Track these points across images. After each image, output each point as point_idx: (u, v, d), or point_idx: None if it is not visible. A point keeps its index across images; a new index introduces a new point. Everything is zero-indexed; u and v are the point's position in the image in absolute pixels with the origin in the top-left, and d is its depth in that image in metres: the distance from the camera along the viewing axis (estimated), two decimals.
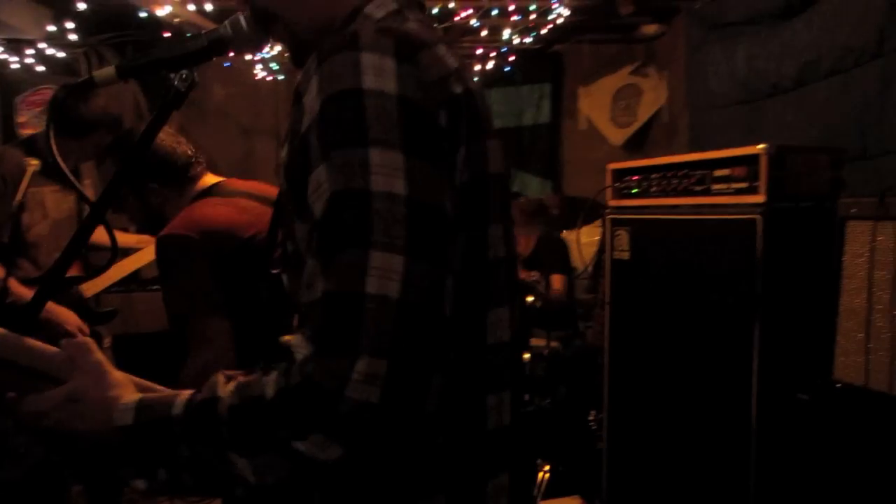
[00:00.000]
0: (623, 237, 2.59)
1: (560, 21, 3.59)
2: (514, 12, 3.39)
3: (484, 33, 3.50)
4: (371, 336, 0.67)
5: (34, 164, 2.48)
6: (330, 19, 0.92)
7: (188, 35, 0.95)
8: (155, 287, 3.66)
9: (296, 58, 0.98)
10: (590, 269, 3.01)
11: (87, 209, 3.23)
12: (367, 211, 0.69)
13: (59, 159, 0.98)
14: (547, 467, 2.88)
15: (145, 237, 3.00)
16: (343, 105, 0.73)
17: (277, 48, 3.67)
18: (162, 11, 3.29)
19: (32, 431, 0.82)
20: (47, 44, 3.62)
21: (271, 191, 1.79)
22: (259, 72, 3.95)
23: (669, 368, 2.34)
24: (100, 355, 0.81)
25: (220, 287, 1.58)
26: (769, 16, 3.10)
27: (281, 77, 4.33)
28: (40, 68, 3.72)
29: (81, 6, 3.10)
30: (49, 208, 2.91)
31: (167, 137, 1.79)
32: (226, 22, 0.99)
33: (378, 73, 0.73)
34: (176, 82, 0.96)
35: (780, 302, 1.99)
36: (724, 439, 2.10)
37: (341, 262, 0.69)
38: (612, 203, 2.66)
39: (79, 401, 0.79)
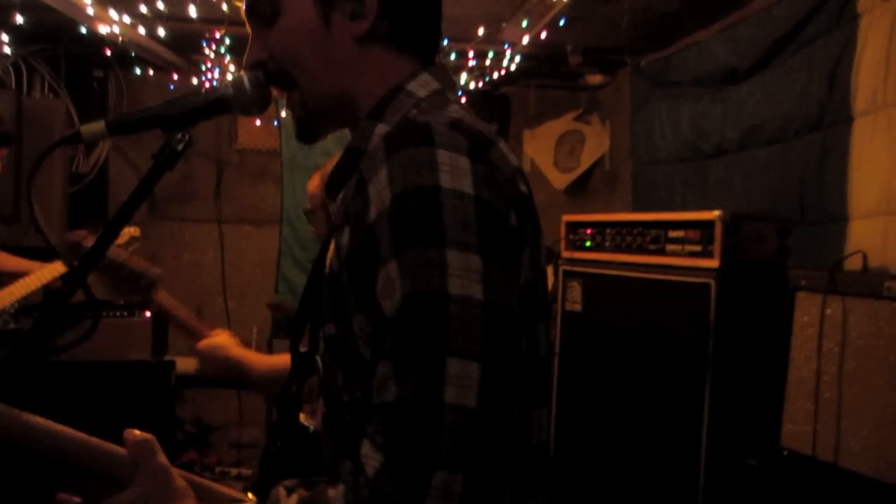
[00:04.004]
0: (575, 289, 2.62)
1: (513, 67, 3.65)
2: (472, 57, 3.43)
3: None
4: (448, 449, 0.65)
5: None
6: (353, 94, 0.90)
7: (187, 93, 0.90)
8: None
9: (303, 129, 0.95)
10: None
11: None
12: (445, 315, 0.68)
13: (35, 208, 0.90)
14: None
15: (31, 263, 2.89)
16: (420, 202, 0.71)
17: (229, 74, 3.58)
18: (105, 29, 3.15)
19: None
20: None
21: None
22: None
23: (617, 425, 2.36)
24: (164, 458, 0.77)
25: None
26: (713, 80, 3.24)
27: None
28: None
29: (19, 19, 2.94)
30: None
31: None
32: (228, 81, 0.95)
33: (454, 171, 0.72)
34: (171, 142, 0.91)
35: (731, 366, 2.05)
36: (671, 501, 2.12)
37: (418, 369, 0.67)
38: (566, 255, 2.69)
39: None
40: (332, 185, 0.90)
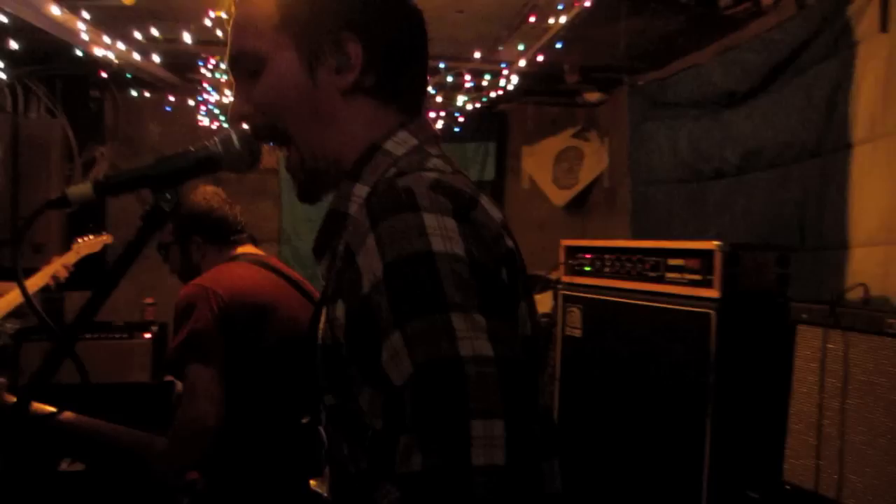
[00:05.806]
0: (575, 314, 2.60)
1: (510, 87, 3.65)
2: (469, 80, 3.42)
3: (439, 99, 3.53)
4: None
5: None
6: (342, 150, 0.89)
7: (175, 153, 0.89)
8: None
9: (305, 189, 0.93)
10: None
11: None
12: (461, 379, 0.67)
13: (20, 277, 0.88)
14: None
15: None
16: (415, 270, 0.70)
17: (226, 98, 3.56)
18: (100, 52, 3.15)
19: None
20: None
21: (288, 269, 2.00)
22: (202, 118, 3.83)
23: (617, 453, 2.33)
24: None
25: (224, 342, 1.71)
26: (712, 102, 3.22)
27: (226, 125, 4.19)
28: None
29: (14, 45, 2.93)
30: None
31: (222, 202, 2.00)
32: (216, 139, 0.93)
33: (444, 234, 0.72)
34: (160, 202, 0.89)
35: (733, 396, 2.02)
36: None
37: (443, 437, 0.66)
38: (565, 279, 2.67)
39: None
40: (319, 247, 0.89)
